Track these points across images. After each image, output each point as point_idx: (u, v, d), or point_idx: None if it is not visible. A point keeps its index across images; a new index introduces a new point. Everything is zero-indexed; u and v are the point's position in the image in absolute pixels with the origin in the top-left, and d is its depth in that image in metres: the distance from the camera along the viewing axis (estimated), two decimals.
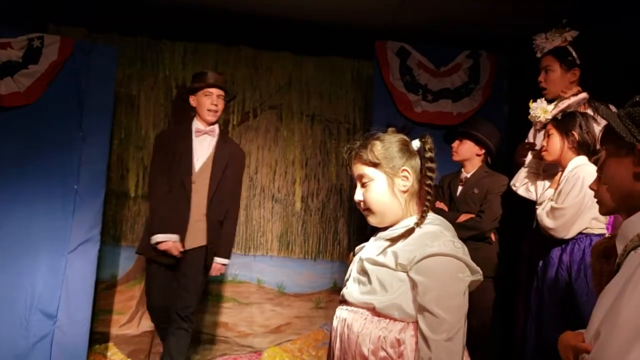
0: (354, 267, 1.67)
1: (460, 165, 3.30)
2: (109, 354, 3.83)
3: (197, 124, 3.36)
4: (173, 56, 4.18)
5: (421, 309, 1.49)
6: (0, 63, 3.48)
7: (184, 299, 3.17)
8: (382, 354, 1.51)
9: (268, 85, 4.33)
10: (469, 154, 3.24)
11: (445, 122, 3.86)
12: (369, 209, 1.65)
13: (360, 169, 1.65)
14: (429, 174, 1.62)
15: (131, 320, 3.92)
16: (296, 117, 4.37)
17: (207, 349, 3.97)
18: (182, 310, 3.15)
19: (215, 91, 3.32)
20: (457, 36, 4.02)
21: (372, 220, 1.66)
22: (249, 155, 4.27)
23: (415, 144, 1.66)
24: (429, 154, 1.63)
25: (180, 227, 3.18)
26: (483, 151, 3.24)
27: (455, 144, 3.26)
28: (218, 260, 3.31)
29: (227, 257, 3.37)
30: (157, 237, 3.16)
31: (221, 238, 3.31)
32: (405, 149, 1.64)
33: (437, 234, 1.55)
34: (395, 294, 1.52)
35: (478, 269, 1.54)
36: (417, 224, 1.57)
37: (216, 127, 3.40)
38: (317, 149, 4.38)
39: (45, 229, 3.41)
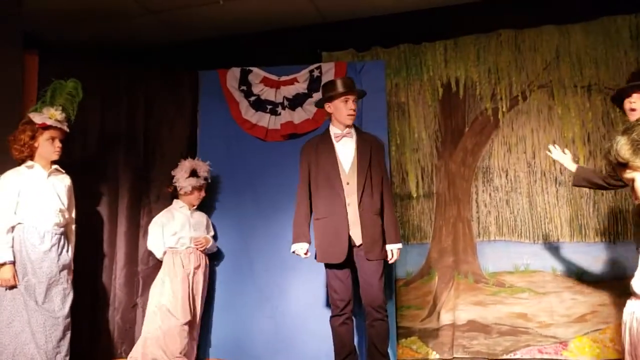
0: None
1: None
2: (414, 347, 4.08)
3: (334, 130, 3.32)
4: (435, 56, 4.27)
5: None
6: (292, 96, 4.01)
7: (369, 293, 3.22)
8: None
9: (534, 64, 4.14)
10: None
11: None
12: None
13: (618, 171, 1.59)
14: None
15: (430, 315, 4.11)
16: (569, 91, 4.08)
17: (508, 340, 3.94)
18: (372, 303, 3.21)
19: (352, 96, 3.26)
20: None
21: None
22: (523, 141, 4.14)
23: None
24: None
25: (339, 230, 3.20)
26: None
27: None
28: (389, 246, 3.28)
29: (397, 241, 3.31)
30: (292, 247, 3.30)
31: (388, 226, 3.28)
32: None
33: None
34: None
35: None
36: None
37: (352, 128, 3.33)
38: (599, 121, 4.02)
39: None
